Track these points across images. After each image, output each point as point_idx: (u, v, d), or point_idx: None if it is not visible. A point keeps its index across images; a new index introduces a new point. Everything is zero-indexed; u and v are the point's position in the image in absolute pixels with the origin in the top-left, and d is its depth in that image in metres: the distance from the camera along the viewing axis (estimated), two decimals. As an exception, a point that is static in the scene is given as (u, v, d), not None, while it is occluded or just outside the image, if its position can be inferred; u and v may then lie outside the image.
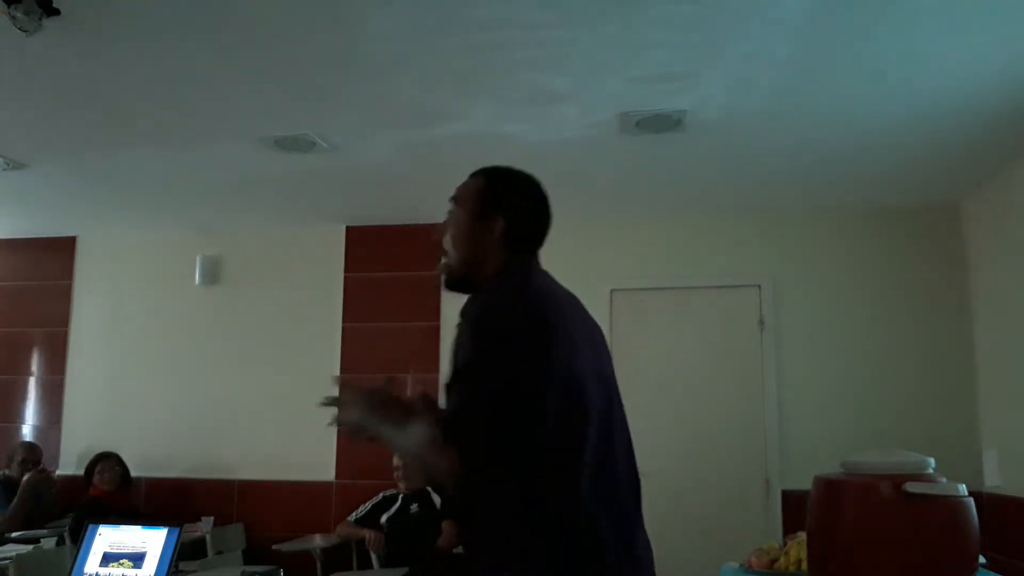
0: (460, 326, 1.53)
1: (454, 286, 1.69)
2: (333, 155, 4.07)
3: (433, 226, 1.74)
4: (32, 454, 5.16)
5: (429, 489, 4.81)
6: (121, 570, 3.01)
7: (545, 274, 1.66)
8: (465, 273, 1.67)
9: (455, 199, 1.72)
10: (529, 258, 1.68)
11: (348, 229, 5.45)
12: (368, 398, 1.56)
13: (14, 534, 4.59)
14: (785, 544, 2.56)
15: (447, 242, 1.70)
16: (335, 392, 1.61)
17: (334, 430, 5.44)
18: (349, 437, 1.59)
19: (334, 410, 1.61)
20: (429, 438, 1.45)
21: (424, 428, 1.46)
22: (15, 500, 4.82)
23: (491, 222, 1.65)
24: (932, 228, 4.84)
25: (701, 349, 4.85)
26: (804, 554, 2.29)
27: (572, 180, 4.30)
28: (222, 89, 3.35)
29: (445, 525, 4.65)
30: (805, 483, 1.87)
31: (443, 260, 1.71)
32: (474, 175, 1.74)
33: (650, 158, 4.02)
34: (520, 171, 1.75)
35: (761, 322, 4.90)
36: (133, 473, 5.06)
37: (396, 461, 4.82)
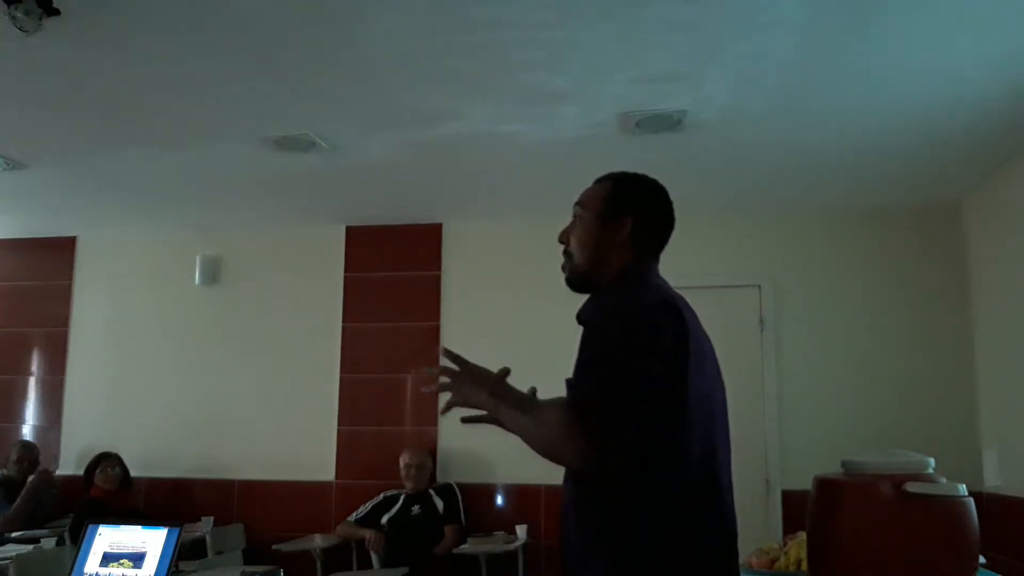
0: (594, 320, 1.54)
1: (578, 286, 1.72)
2: (333, 155, 4.07)
3: (563, 232, 1.76)
4: (29, 453, 5.17)
5: (431, 491, 4.81)
6: (121, 570, 3.01)
7: (665, 281, 1.70)
8: (590, 273, 1.70)
9: (582, 203, 1.75)
10: (653, 261, 1.73)
11: (348, 229, 5.45)
12: (485, 376, 1.57)
13: (14, 534, 4.59)
14: (785, 544, 2.56)
15: (574, 243, 1.72)
16: (436, 368, 1.62)
17: (334, 430, 5.47)
18: (454, 406, 1.59)
19: (445, 393, 1.60)
20: (565, 423, 1.44)
21: (559, 412, 1.47)
22: (18, 501, 4.83)
23: (620, 222, 1.69)
24: (932, 228, 4.84)
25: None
26: (804, 554, 2.29)
27: (572, 180, 4.28)
28: (222, 89, 3.35)
29: (448, 530, 4.66)
30: (805, 483, 1.87)
31: (568, 260, 1.73)
32: (600, 180, 1.78)
33: (650, 158, 4.02)
34: (647, 176, 1.78)
35: (761, 322, 4.90)
36: (133, 473, 5.06)
37: (405, 460, 4.83)
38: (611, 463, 1.45)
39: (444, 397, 1.61)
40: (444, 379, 1.58)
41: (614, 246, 1.68)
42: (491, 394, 1.55)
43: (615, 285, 1.64)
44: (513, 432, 1.55)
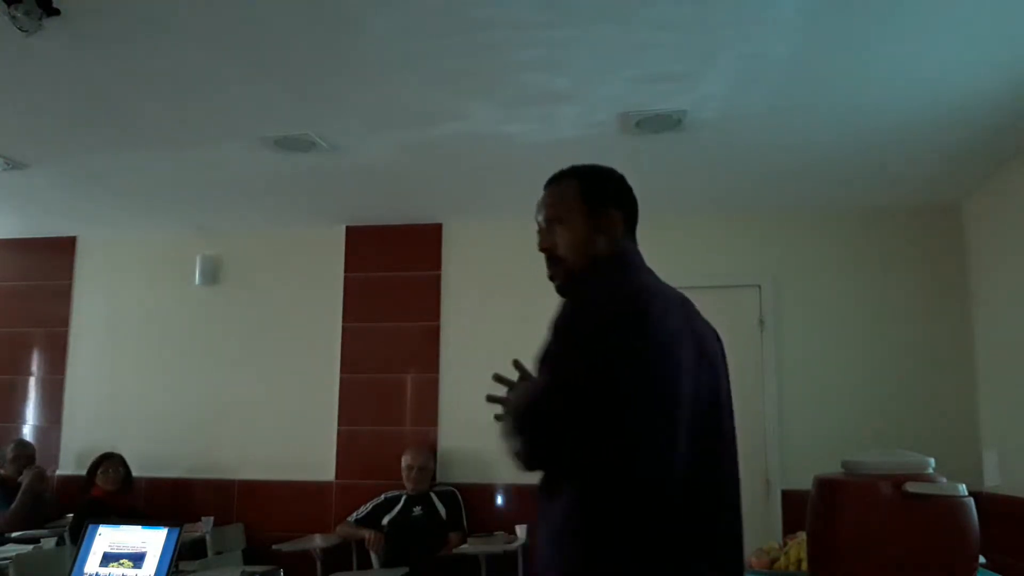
0: (556, 317, 1.51)
1: (569, 290, 1.67)
2: (333, 155, 4.07)
3: (543, 240, 1.71)
4: (24, 451, 5.16)
5: (432, 494, 4.81)
6: (121, 570, 3.01)
7: (650, 270, 1.67)
8: (582, 274, 1.65)
9: (555, 204, 1.69)
10: (633, 245, 1.70)
11: (348, 229, 5.45)
12: (529, 391, 1.57)
13: (14, 534, 4.59)
14: (785, 544, 2.56)
15: (563, 248, 1.66)
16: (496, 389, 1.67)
17: (334, 430, 5.48)
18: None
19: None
20: (507, 428, 1.49)
21: (506, 418, 1.51)
22: (16, 500, 4.82)
23: (608, 216, 1.67)
24: (932, 228, 4.83)
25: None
26: (804, 554, 2.29)
27: (572, 180, 4.29)
28: (222, 89, 3.35)
29: (452, 537, 4.66)
30: (805, 483, 1.87)
31: (558, 267, 1.68)
32: (559, 180, 1.73)
33: (650, 158, 4.02)
34: (600, 165, 1.77)
35: (761, 322, 4.90)
36: (133, 473, 5.05)
37: (407, 461, 4.83)
38: (535, 463, 1.47)
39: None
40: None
41: (605, 240, 1.65)
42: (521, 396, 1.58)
43: (603, 275, 1.61)
44: None
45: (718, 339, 1.67)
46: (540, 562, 1.52)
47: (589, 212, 1.66)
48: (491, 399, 1.64)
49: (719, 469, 1.56)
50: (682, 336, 1.51)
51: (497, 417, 1.60)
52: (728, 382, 1.65)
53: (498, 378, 1.69)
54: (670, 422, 1.44)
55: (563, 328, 1.47)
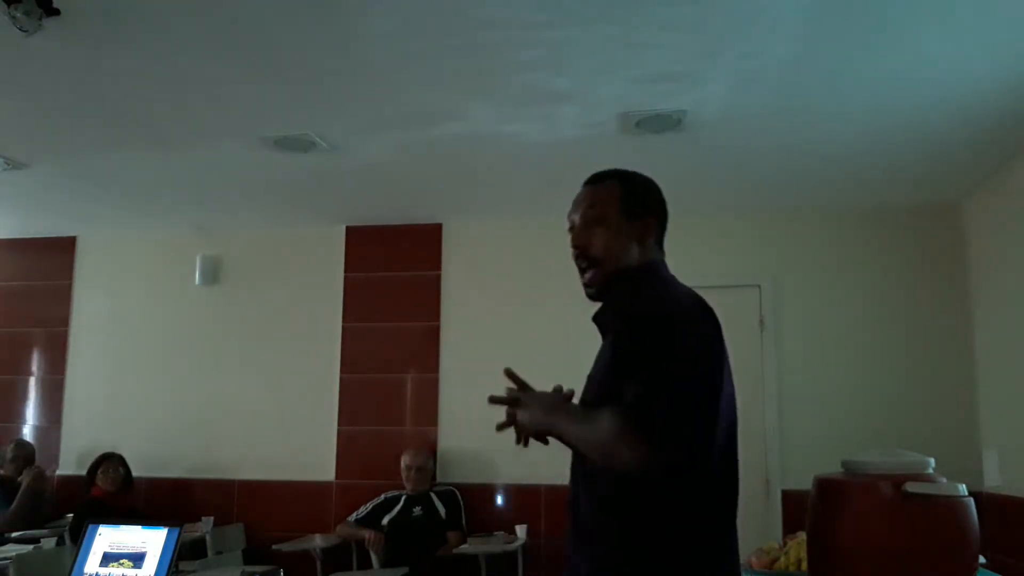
0: (634, 324, 1.50)
1: (604, 295, 1.66)
2: (333, 155, 4.07)
3: (578, 238, 1.68)
4: (24, 451, 5.17)
5: (432, 494, 4.81)
6: (121, 570, 3.01)
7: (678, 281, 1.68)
8: (615, 278, 1.64)
9: (596, 204, 1.68)
10: (663, 255, 1.70)
11: (348, 229, 5.45)
12: (544, 398, 1.56)
13: (14, 534, 4.59)
14: (785, 544, 2.56)
15: (599, 248, 1.64)
16: (499, 392, 1.63)
17: (334, 430, 5.47)
18: (525, 438, 1.59)
19: (503, 415, 1.61)
20: (620, 429, 1.41)
21: (615, 419, 1.43)
22: (17, 499, 4.83)
23: (644, 221, 1.67)
24: (932, 228, 4.83)
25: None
26: (804, 554, 2.29)
27: (572, 180, 4.29)
28: (222, 89, 3.35)
29: (451, 536, 4.66)
30: (805, 483, 1.87)
31: (593, 268, 1.66)
32: (601, 179, 1.72)
33: (650, 158, 4.01)
34: (640, 172, 1.76)
35: (761, 322, 4.90)
36: (133, 473, 5.05)
37: (406, 461, 4.82)
38: (672, 466, 1.38)
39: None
40: (508, 408, 1.59)
41: (639, 247, 1.65)
42: (548, 413, 1.54)
43: (644, 285, 1.61)
44: (568, 444, 1.53)
45: None
46: (594, 564, 1.54)
47: (628, 217, 1.66)
48: (494, 400, 1.62)
49: (736, 475, 1.64)
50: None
51: (499, 427, 1.61)
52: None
53: (509, 373, 1.64)
54: (727, 423, 1.55)
55: (650, 328, 1.46)
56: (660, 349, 1.43)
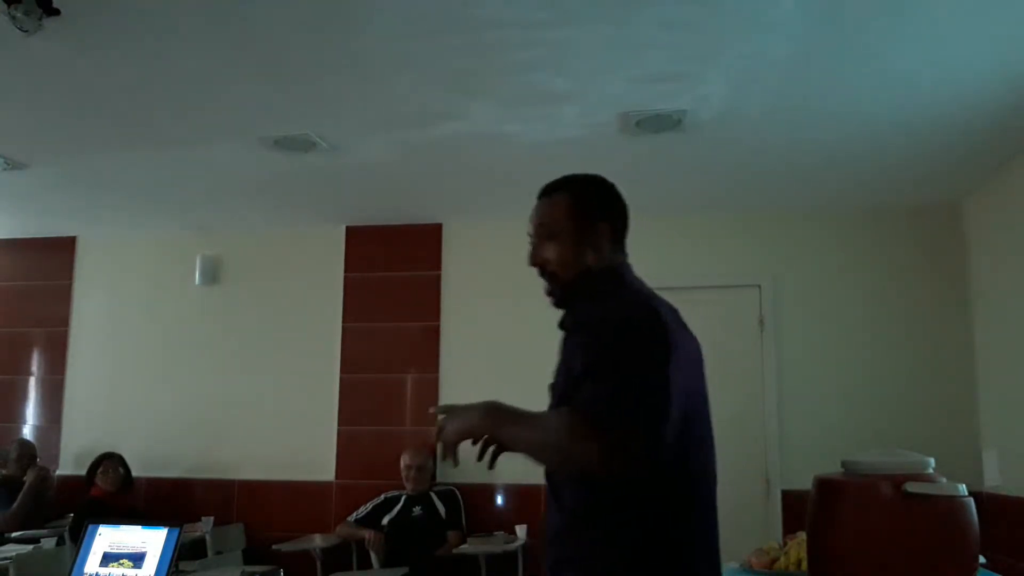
0: (591, 327, 1.53)
1: (566, 303, 1.69)
2: (333, 155, 4.07)
3: (533, 256, 1.72)
4: (27, 450, 5.17)
5: (432, 494, 4.81)
6: (121, 570, 3.01)
7: (638, 277, 1.70)
8: (575, 286, 1.67)
9: (546, 222, 1.70)
10: (625, 258, 1.72)
11: (348, 229, 5.45)
12: (481, 405, 1.55)
13: (14, 534, 4.59)
14: (785, 544, 2.56)
15: (555, 262, 1.68)
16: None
17: (334, 430, 5.47)
18: (492, 457, 1.63)
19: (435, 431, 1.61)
20: (571, 425, 1.41)
21: (565, 416, 1.44)
22: (19, 498, 4.83)
23: (596, 228, 1.68)
24: (932, 228, 4.84)
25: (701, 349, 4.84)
26: (804, 554, 2.29)
27: (572, 180, 4.30)
28: (222, 89, 3.35)
29: (451, 536, 4.66)
30: (805, 483, 1.87)
31: (551, 281, 1.70)
32: (551, 192, 1.74)
33: (650, 158, 4.02)
34: (590, 174, 1.77)
35: (761, 322, 4.90)
36: (133, 473, 5.06)
37: (406, 461, 4.82)
38: (630, 465, 1.39)
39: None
40: (440, 418, 1.58)
41: (593, 253, 1.67)
42: (484, 415, 1.53)
43: (600, 289, 1.63)
44: (519, 451, 1.52)
45: (698, 346, 1.71)
46: (567, 565, 1.55)
47: (577, 227, 1.67)
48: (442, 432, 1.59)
49: (710, 465, 1.62)
50: (683, 340, 1.57)
51: (432, 445, 1.62)
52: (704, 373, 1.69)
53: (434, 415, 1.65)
54: (695, 422, 1.53)
55: (600, 336, 1.49)
56: (607, 351, 1.46)
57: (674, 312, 1.62)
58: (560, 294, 1.69)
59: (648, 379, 1.43)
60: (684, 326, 1.64)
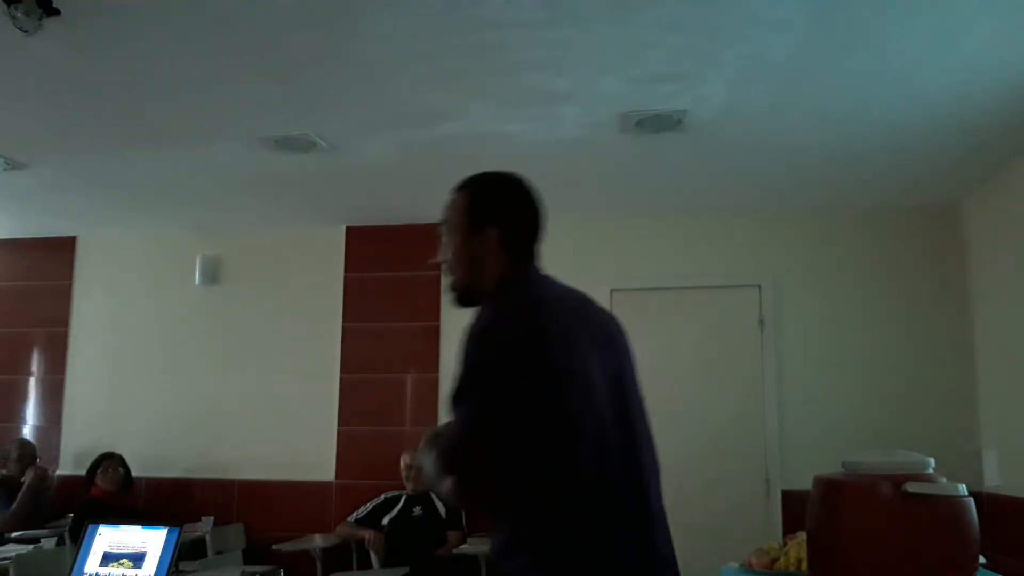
0: (461, 346, 1.50)
1: (464, 303, 1.68)
2: (333, 155, 4.07)
3: (439, 252, 1.74)
4: (27, 450, 5.17)
5: (432, 494, 4.80)
6: (121, 570, 3.01)
7: (546, 279, 1.64)
8: (470, 289, 1.66)
9: (445, 221, 1.71)
10: (528, 262, 1.65)
11: (348, 229, 5.45)
12: (426, 439, 1.60)
13: (14, 534, 4.59)
14: (785, 544, 2.56)
15: (451, 264, 1.69)
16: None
17: (334, 430, 5.47)
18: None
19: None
20: (436, 463, 1.49)
21: (432, 459, 1.51)
22: (19, 498, 4.83)
23: (484, 234, 1.64)
24: (932, 228, 4.84)
25: (701, 349, 4.84)
26: (804, 554, 2.29)
27: (572, 180, 4.31)
28: (222, 89, 3.35)
29: (451, 535, 4.65)
30: (805, 483, 1.87)
31: (450, 280, 1.70)
32: (457, 189, 1.73)
33: (650, 158, 4.02)
34: (503, 173, 1.74)
35: (761, 322, 4.90)
36: (133, 473, 5.05)
37: (406, 461, 4.82)
38: (480, 496, 1.47)
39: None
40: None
41: (486, 257, 1.63)
42: (426, 451, 1.58)
43: (492, 297, 1.60)
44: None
45: (618, 327, 1.67)
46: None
47: (471, 232, 1.65)
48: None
49: (633, 447, 1.53)
50: (581, 340, 1.51)
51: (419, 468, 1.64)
52: (631, 362, 1.65)
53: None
54: (580, 434, 1.44)
55: (468, 362, 1.46)
56: (468, 371, 1.45)
57: (581, 306, 1.59)
58: (455, 296, 1.68)
59: (496, 404, 1.41)
60: (592, 315, 1.60)
